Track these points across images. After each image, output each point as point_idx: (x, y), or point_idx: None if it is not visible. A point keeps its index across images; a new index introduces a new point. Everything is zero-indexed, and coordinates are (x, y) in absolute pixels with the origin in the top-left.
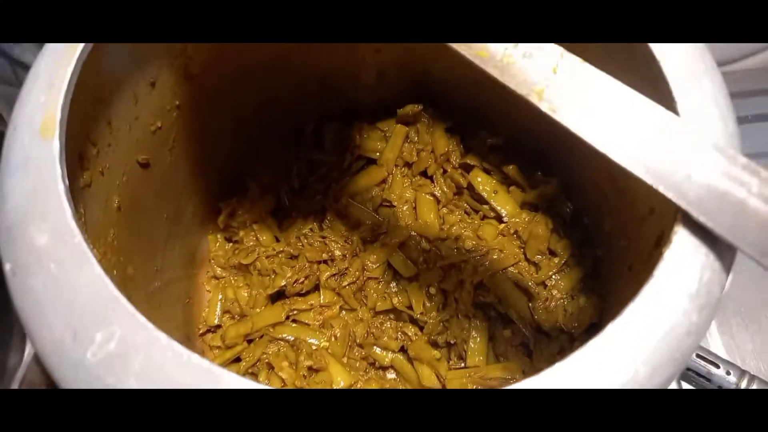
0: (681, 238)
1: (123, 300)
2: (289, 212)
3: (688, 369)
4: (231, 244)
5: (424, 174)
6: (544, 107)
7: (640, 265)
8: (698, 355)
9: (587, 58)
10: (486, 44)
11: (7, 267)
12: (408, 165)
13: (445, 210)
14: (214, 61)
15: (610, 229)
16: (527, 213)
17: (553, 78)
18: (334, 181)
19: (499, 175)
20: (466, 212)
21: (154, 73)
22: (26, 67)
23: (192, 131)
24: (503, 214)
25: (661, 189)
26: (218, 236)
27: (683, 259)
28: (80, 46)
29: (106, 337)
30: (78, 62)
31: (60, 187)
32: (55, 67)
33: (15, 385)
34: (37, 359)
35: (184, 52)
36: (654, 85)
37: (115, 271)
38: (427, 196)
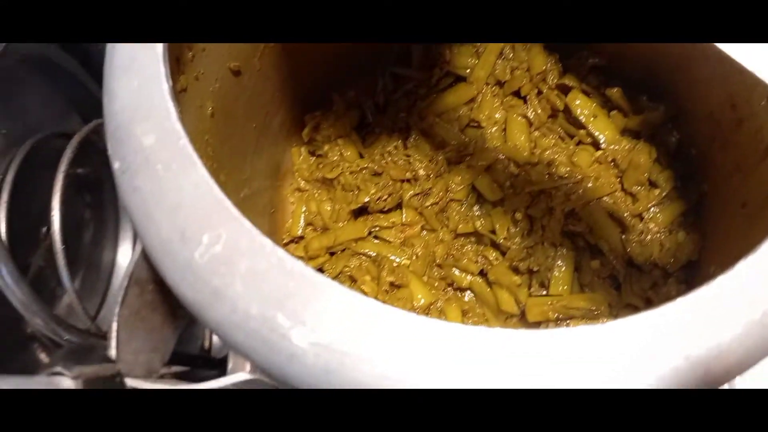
0: None
1: (228, 203)
2: (373, 128)
3: None
4: (314, 158)
5: (516, 94)
6: None
7: (759, 203)
8: None
9: None
10: None
11: (116, 165)
12: (500, 84)
13: (537, 133)
14: None
15: (722, 162)
16: (628, 140)
17: None
18: (420, 98)
19: (600, 99)
20: (560, 137)
21: None
22: None
23: None
24: (601, 141)
25: None
26: (302, 149)
27: None
28: None
29: (212, 239)
30: None
31: (164, 87)
32: None
33: (125, 282)
34: (145, 255)
35: None
36: None
37: None
38: (519, 118)
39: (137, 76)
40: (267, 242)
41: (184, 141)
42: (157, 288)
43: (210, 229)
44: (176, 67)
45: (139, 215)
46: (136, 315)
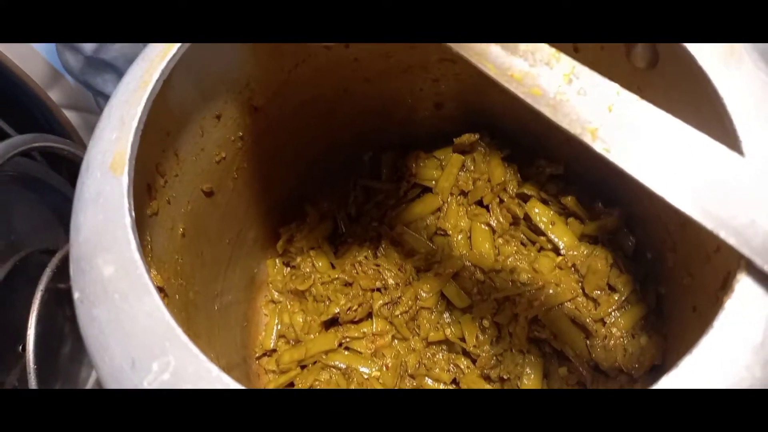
0: (744, 287)
1: (178, 330)
2: (345, 238)
3: None
4: (289, 268)
5: (479, 203)
6: (598, 147)
7: (706, 307)
8: None
9: (646, 96)
10: (539, 82)
11: (76, 296)
12: (464, 194)
13: (500, 240)
14: (276, 93)
15: (673, 265)
16: (586, 246)
17: (608, 116)
18: (390, 209)
19: (558, 206)
20: (522, 243)
21: (219, 106)
22: (107, 97)
23: (254, 160)
24: (561, 247)
25: (722, 234)
26: (277, 260)
27: (746, 309)
28: (150, 84)
29: (161, 367)
30: (148, 100)
31: (127, 220)
32: (127, 106)
33: None
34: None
35: (248, 85)
36: (718, 124)
37: (177, 296)
38: (483, 226)
39: (102, 208)
40: (213, 368)
41: (142, 271)
42: None
43: (160, 356)
44: (147, 193)
45: (95, 345)
46: None
